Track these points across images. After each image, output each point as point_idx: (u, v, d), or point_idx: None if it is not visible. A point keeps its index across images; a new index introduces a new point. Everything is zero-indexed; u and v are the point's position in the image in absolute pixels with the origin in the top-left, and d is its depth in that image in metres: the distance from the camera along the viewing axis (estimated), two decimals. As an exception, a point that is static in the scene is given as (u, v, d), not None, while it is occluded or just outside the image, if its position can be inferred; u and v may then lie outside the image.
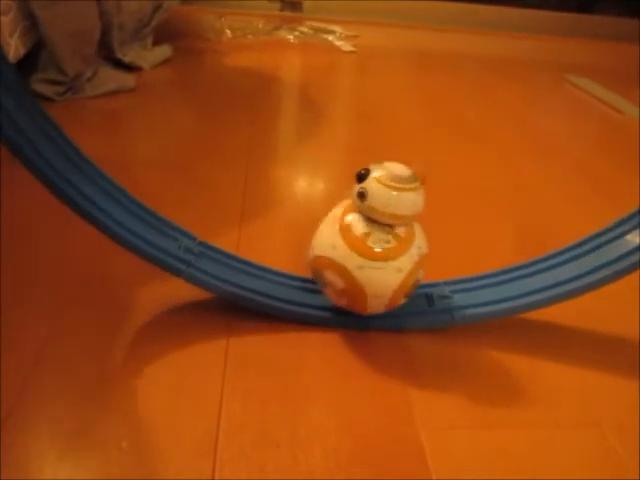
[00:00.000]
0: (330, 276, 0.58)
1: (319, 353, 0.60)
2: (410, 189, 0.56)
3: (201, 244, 0.65)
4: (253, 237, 0.78)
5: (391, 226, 0.57)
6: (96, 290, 0.66)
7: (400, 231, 0.57)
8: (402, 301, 0.60)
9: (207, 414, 0.51)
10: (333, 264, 0.58)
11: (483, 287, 0.66)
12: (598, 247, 0.63)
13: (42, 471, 0.46)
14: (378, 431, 0.51)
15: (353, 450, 0.49)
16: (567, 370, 0.60)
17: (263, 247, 0.76)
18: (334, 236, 0.58)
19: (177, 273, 0.61)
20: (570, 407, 0.56)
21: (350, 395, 0.55)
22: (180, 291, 0.65)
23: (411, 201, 0.56)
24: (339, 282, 0.58)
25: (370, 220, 0.57)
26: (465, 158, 1.15)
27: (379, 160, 0.58)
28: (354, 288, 0.57)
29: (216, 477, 0.46)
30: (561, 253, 0.65)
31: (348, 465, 0.48)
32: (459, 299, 0.64)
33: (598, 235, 0.64)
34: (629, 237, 0.61)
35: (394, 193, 0.55)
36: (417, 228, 0.60)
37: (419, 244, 0.59)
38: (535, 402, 0.56)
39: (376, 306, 0.59)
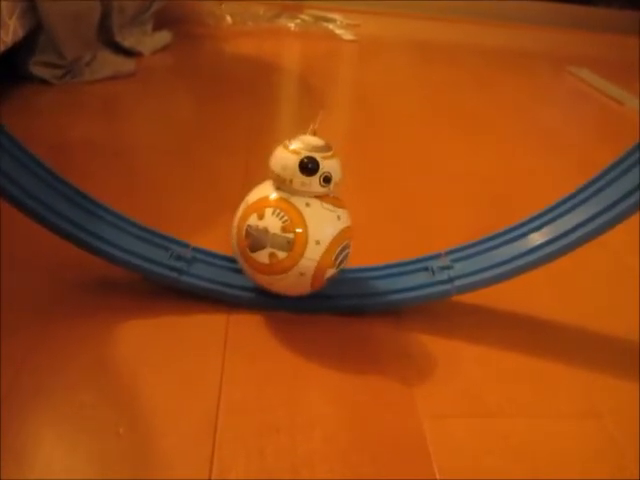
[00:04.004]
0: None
1: (318, 339, 0.59)
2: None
3: (194, 250, 0.65)
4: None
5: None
6: (94, 279, 0.65)
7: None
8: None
9: (206, 399, 0.51)
10: None
11: (480, 253, 0.64)
12: (584, 201, 0.61)
13: (37, 458, 0.45)
14: (378, 417, 0.51)
15: (353, 436, 0.49)
16: (569, 361, 0.60)
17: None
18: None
19: (169, 282, 0.61)
20: (571, 397, 0.56)
21: (350, 381, 0.55)
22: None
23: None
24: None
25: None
26: (465, 148, 1.14)
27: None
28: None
29: (215, 461, 0.45)
30: (554, 209, 0.63)
31: (348, 451, 0.48)
32: (459, 268, 0.63)
33: (585, 188, 0.62)
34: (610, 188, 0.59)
35: None
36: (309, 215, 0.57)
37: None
38: (536, 392, 0.56)
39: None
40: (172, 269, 0.61)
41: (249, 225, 0.57)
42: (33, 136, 0.97)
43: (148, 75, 1.35)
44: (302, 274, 0.56)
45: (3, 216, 0.70)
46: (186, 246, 0.65)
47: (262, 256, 0.56)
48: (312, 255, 0.56)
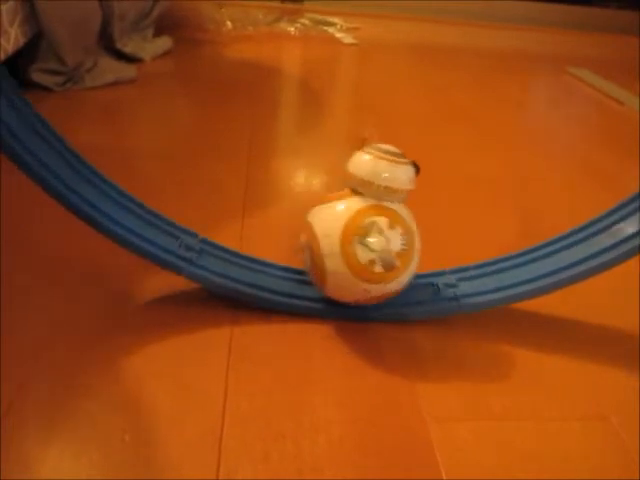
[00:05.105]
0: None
1: (322, 345, 0.59)
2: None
3: (202, 241, 0.64)
4: (256, 229, 0.78)
5: None
6: (96, 284, 0.65)
7: None
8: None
9: (211, 405, 0.51)
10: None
11: (488, 274, 0.65)
12: (596, 234, 0.62)
13: (43, 464, 0.45)
14: (384, 422, 0.51)
15: (359, 441, 0.49)
16: (574, 363, 0.60)
17: (266, 238, 0.76)
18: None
19: (178, 271, 0.61)
20: (577, 399, 0.56)
21: (354, 386, 0.55)
22: (182, 284, 0.65)
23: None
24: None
25: None
26: (466, 148, 1.14)
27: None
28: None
29: (221, 467, 0.45)
30: (564, 238, 0.64)
31: (354, 455, 0.48)
32: (465, 287, 0.63)
33: (597, 221, 0.64)
34: (621, 225, 0.61)
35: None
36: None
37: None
38: (541, 395, 0.56)
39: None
40: (182, 259, 0.61)
41: (376, 222, 0.56)
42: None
43: (149, 81, 1.35)
44: (368, 291, 0.58)
45: (11, 221, 0.70)
46: (195, 236, 0.64)
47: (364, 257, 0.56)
48: (399, 285, 0.58)
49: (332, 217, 0.58)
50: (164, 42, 1.55)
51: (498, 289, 0.63)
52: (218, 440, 0.47)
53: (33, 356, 0.54)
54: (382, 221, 0.56)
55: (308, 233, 0.59)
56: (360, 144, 0.59)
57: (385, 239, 0.56)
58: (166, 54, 1.53)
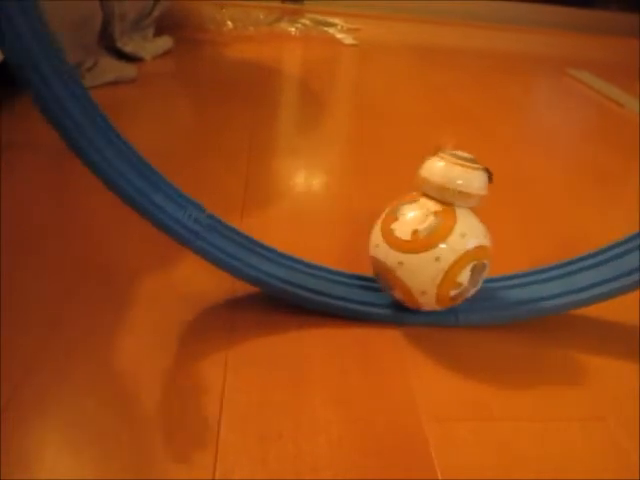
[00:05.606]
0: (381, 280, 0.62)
1: (321, 345, 0.59)
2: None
3: (210, 217, 0.64)
4: (255, 229, 0.78)
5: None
6: (96, 282, 0.65)
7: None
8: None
9: (209, 405, 0.51)
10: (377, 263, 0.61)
11: (490, 290, 0.65)
12: (613, 258, 0.64)
13: (42, 463, 0.45)
14: (382, 422, 0.51)
15: (357, 441, 0.49)
16: (572, 363, 0.60)
17: (265, 238, 0.76)
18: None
19: (185, 243, 0.59)
20: (574, 400, 0.56)
21: (353, 387, 0.55)
22: (181, 282, 0.65)
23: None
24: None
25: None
26: (466, 149, 1.14)
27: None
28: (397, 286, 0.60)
29: (218, 468, 0.45)
30: (574, 262, 0.66)
31: (352, 455, 0.48)
32: (464, 302, 0.63)
33: (614, 246, 0.65)
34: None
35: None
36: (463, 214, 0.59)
37: (463, 232, 0.58)
38: (539, 395, 0.56)
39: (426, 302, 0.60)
40: (190, 231, 0.60)
41: (486, 266, 0.59)
42: (37, 143, 0.97)
43: (149, 80, 1.35)
44: (425, 294, 0.59)
45: (11, 221, 0.70)
46: (202, 210, 0.64)
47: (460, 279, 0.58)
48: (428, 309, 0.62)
49: (480, 229, 0.59)
50: (164, 42, 1.56)
51: (498, 307, 0.64)
52: (215, 440, 0.47)
53: (33, 356, 0.54)
54: (486, 268, 0.59)
55: (448, 213, 0.59)
56: (434, 150, 0.60)
57: (477, 282, 0.59)
58: (166, 54, 1.54)
